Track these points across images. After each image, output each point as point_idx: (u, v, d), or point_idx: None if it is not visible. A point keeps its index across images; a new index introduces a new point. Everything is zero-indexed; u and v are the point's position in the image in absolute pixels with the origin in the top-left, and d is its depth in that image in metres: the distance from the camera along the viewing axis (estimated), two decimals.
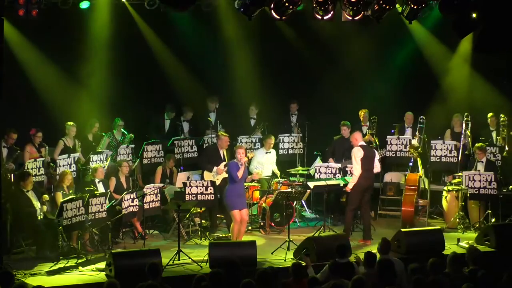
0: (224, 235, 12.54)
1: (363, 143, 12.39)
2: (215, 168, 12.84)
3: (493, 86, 14.90)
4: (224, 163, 12.82)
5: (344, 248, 9.28)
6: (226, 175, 12.43)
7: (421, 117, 14.19)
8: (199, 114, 14.76)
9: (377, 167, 12.43)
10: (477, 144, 13.39)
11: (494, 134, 14.20)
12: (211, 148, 13.38)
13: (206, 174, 12.89)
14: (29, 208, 11.30)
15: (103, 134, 13.65)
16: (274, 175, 13.62)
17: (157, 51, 14.70)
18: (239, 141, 13.92)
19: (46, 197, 11.62)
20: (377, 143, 14.15)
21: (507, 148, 13.82)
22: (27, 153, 12.49)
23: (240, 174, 11.43)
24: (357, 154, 12.15)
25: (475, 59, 14.92)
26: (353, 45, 15.16)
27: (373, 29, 13.91)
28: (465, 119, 13.80)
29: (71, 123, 13.17)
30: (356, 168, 12.19)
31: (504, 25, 10.69)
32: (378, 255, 9.36)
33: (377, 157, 12.52)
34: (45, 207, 11.54)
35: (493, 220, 12.82)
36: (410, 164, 13.55)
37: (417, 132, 14.13)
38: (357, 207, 12.38)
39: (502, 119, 14.04)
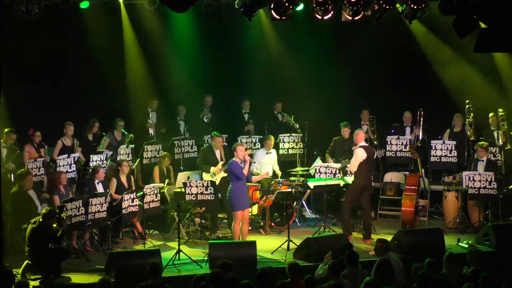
0: (224, 235, 12.53)
1: (364, 143, 12.40)
2: (212, 168, 12.84)
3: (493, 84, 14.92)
4: (222, 162, 12.82)
5: (353, 255, 8.98)
6: (225, 174, 12.43)
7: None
8: (195, 113, 14.81)
9: None
10: (479, 142, 13.38)
11: (495, 134, 14.18)
12: (206, 149, 13.32)
13: (205, 175, 12.90)
14: (30, 206, 11.29)
15: (103, 133, 13.64)
16: (274, 175, 13.62)
17: (156, 50, 14.70)
18: (239, 141, 13.91)
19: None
20: (377, 141, 14.16)
21: (508, 146, 13.79)
22: (26, 153, 12.44)
23: (245, 171, 11.43)
24: (361, 155, 12.09)
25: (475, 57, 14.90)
26: (352, 44, 15.15)
27: (372, 28, 13.89)
28: (467, 106, 13.94)
29: (69, 122, 13.16)
30: (353, 165, 12.16)
31: (504, 25, 10.66)
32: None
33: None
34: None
35: (493, 220, 12.83)
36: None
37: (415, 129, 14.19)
38: (354, 205, 12.38)
39: (500, 113, 14.01)
